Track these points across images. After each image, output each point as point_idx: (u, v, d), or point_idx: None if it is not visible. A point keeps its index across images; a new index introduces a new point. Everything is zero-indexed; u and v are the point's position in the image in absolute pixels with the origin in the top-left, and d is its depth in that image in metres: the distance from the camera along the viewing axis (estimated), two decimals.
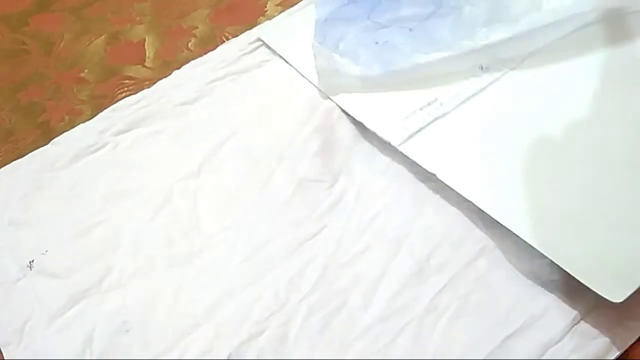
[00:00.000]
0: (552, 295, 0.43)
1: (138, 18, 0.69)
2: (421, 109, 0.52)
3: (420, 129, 0.51)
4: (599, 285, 0.40)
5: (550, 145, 0.48)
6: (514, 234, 0.44)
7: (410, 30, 0.55)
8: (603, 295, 0.39)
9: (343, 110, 0.55)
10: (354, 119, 0.54)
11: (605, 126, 0.49)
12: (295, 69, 0.59)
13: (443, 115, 0.52)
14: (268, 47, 0.61)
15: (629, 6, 0.54)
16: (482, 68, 0.54)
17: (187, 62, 0.62)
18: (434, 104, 0.52)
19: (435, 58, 0.53)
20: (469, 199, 0.46)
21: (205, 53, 0.63)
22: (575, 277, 0.40)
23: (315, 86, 0.57)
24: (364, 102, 0.54)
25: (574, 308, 0.42)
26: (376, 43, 0.55)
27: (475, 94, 0.53)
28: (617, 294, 0.39)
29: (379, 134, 0.51)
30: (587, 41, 0.54)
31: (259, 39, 0.62)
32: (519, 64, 0.54)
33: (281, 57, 0.60)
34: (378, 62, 0.54)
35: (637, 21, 0.55)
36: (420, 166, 0.49)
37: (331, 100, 0.55)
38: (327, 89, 0.56)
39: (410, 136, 0.51)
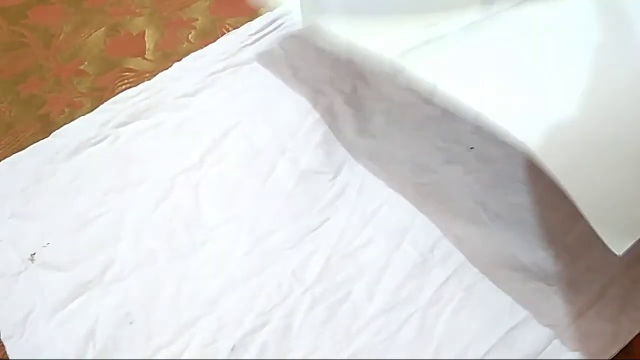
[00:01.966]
0: (555, 286, 0.43)
1: (138, 10, 0.68)
2: (418, 29, 0.48)
3: (418, 46, 0.46)
4: (605, 230, 0.36)
5: (564, 68, 0.43)
6: (517, 225, 0.44)
7: None
8: (606, 243, 0.36)
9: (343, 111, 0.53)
10: (354, 109, 0.53)
11: (611, 59, 0.45)
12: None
13: (442, 37, 0.47)
14: (272, 36, 0.60)
15: None
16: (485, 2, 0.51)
17: (187, 54, 0.62)
18: (433, 28, 0.48)
19: None
20: (475, 110, 0.40)
21: (206, 45, 0.62)
22: (583, 213, 0.36)
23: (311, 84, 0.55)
24: (353, 31, 0.49)
25: (578, 298, 0.42)
26: None
27: (477, 22, 0.48)
28: (619, 245, 0.36)
29: (372, 48, 0.47)
30: None
31: (264, 26, 0.61)
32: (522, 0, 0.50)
33: (274, 54, 0.59)
34: None
35: None
36: (424, 158, 0.48)
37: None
38: (311, 24, 0.52)
39: (407, 50, 0.46)
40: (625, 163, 0.39)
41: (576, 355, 0.40)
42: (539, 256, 0.44)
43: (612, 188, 0.38)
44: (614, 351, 0.40)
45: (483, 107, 0.39)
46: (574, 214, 0.38)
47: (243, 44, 0.61)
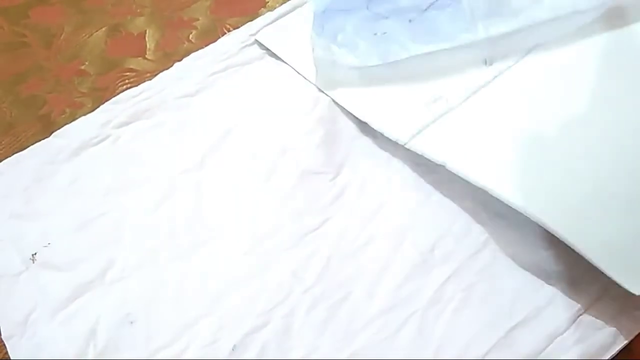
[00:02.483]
0: (556, 286, 0.43)
1: (138, 10, 0.69)
2: (426, 105, 0.51)
3: (427, 126, 0.50)
4: (620, 274, 0.39)
5: (560, 132, 0.47)
6: (518, 225, 0.44)
7: (410, 21, 0.55)
8: (624, 286, 0.39)
9: (344, 109, 0.54)
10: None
11: (613, 112, 0.48)
12: (294, 69, 0.58)
13: (449, 111, 0.51)
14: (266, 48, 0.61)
15: (630, 5, 0.54)
16: (486, 62, 0.53)
17: (188, 54, 0.62)
18: (440, 101, 0.51)
19: (434, 49, 0.53)
20: (481, 186, 0.45)
21: (206, 45, 0.62)
22: (596, 264, 0.40)
23: (311, 83, 0.56)
24: (365, 98, 0.54)
25: (578, 299, 0.42)
26: (375, 34, 0.55)
27: (480, 88, 0.52)
28: (637, 285, 0.39)
29: (385, 133, 0.51)
30: (590, 34, 0.53)
31: (265, 26, 0.61)
32: (522, 57, 0.53)
33: (279, 58, 0.59)
34: (376, 53, 0.54)
35: (638, 16, 0.54)
36: (425, 158, 0.49)
37: (328, 97, 0.55)
38: (324, 84, 0.55)
39: (417, 133, 0.50)
40: (628, 209, 0.42)
41: (577, 354, 0.40)
42: (540, 256, 0.44)
43: (619, 234, 0.41)
44: (615, 351, 0.40)
45: (489, 182, 0.44)
46: None
47: (244, 44, 0.61)
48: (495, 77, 0.53)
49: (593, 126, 0.47)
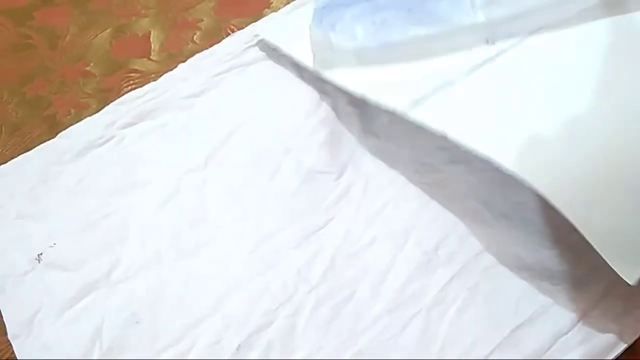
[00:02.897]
0: (560, 285, 0.43)
1: (143, 11, 0.69)
2: (426, 77, 0.49)
3: (426, 97, 0.48)
4: (618, 262, 0.38)
5: (565, 109, 0.45)
6: (522, 225, 0.44)
7: (409, 10, 0.54)
8: (619, 274, 0.38)
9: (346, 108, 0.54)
10: (359, 109, 0.53)
11: (617, 93, 0.46)
12: (294, 58, 0.57)
13: (449, 84, 0.49)
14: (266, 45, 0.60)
15: None
16: (487, 42, 0.52)
17: (192, 55, 0.62)
18: (440, 74, 0.49)
19: (433, 32, 0.51)
20: (483, 155, 0.42)
21: (211, 46, 0.63)
22: (596, 248, 0.38)
23: (317, 77, 0.56)
24: (363, 77, 0.52)
25: (583, 298, 0.42)
26: (373, 23, 0.54)
27: (482, 65, 0.50)
28: (632, 275, 0.38)
29: (382, 102, 0.49)
30: (590, 19, 0.52)
31: (256, 35, 0.61)
32: (525, 37, 0.51)
33: (279, 55, 0.59)
34: (375, 37, 0.52)
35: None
36: (428, 158, 0.49)
37: (328, 80, 0.54)
38: (321, 65, 0.54)
39: (416, 104, 0.47)
40: (634, 196, 0.40)
41: (581, 354, 0.40)
42: (544, 255, 0.44)
43: (621, 220, 0.40)
44: (619, 350, 0.40)
45: (492, 154, 0.42)
46: None
47: (248, 45, 0.61)
48: (498, 54, 0.51)
49: (597, 106, 0.45)
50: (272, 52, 0.61)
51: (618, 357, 0.40)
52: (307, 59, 0.56)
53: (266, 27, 0.62)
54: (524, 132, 0.43)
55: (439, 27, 0.51)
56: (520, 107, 0.46)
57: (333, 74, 0.53)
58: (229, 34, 0.64)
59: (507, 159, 0.41)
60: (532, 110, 0.45)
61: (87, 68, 0.64)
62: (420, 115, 0.46)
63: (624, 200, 0.41)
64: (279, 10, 0.64)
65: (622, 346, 0.40)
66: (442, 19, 0.51)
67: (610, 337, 0.41)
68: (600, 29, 0.50)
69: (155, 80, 0.60)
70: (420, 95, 0.48)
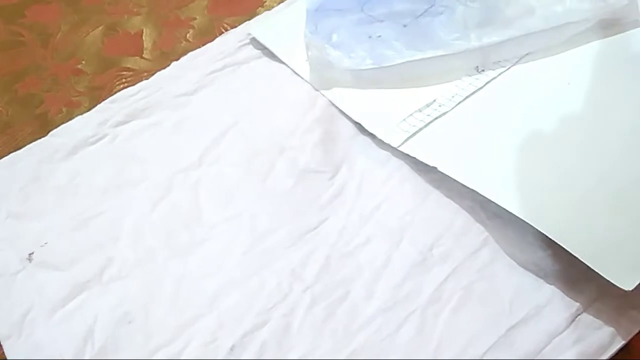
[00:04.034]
0: (555, 285, 0.43)
1: (135, 9, 0.68)
2: (420, 110, 0.52)
3: (419, 129, 0.51)
4: (610, 272, 0.40)
5: (550, 136, 0.49)
6: (516, 224, 0.44)
7: (405, 26, 0.55)
8: (615, 283, 0.39)
9: (338, 109, 0.54)
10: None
11: (601, 117, 0.49)
12: (287, 65, 0.58)
13: (441, 115, 0.52)
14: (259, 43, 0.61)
15: (621, 17, 0.54)
16: (477, 69, 0.54)
17: (185, 53, 0.62)
18: (433, 105, 0.52)
19: (427, 56, 0.53)
20: (472, 187, 0.46)
21: (204, 44, 0.62)
22: (585, 262, 0.40)
23: (307, 82, 0.56)
24: (359, 100, 0.54)
25: (577, 298, 0.42)
26: (369, 37, 0.55)
27: (472, 94, 0.53)
28: (627, 282, 0.39)
29: (378, 135, 0.51)
30: (580, 43, 0.54)
31: (249, 34, 0.61)
32: (513, 64, 0.54)
33: (273, 53, 0.59)
34: (371, 57, 0.54)
35: (629, 28, 0.55)
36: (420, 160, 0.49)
37: (324, 96, 0.55)
38: (319, 84, 0.56)
39: (410, 137, 0.51)
40: (616, 209, 0.43)
41: (575, 354, 0.40)
42: (538, 256, 0.44)
43: (609, 233, 0.42)
44: (613, 351, 0.40)
45: (480, 186, 0.46)
46: None
47: (241, 43, 0.61)
48: (487, 82, 0.53)
49: (582, 131, 0.49)
50: (266, 51, 0.60)
51: (612, 357, 0.40)
52: (298, 62, 0.57)
53: (259, 26, 0.62)
54: (508, 162, 0.47)
55: (432, 52, 0.54)
56: (505, 136, 0.49)
57: (331, 94, 0.55)
58: (222, 33, 0.64)
59: (493, 190, 0.45)
60: (516, 139, 0.49)
61: (79, 66, 0.63)
62: (413, 147, 0.50)
63: (609, 215, 0.43)
64: (272, 9, 0.64)
65: (617, 346, 0.40)
66: (435, 39, 0.54)
67: (604, 336, 0.41)
68: (589, 55, 0.54)
69: (147, 78, 0.60)
70: (413, 128, 0.51)
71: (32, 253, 0.48)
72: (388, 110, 0.53)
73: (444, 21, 0.55)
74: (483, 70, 0.54)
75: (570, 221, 0.43)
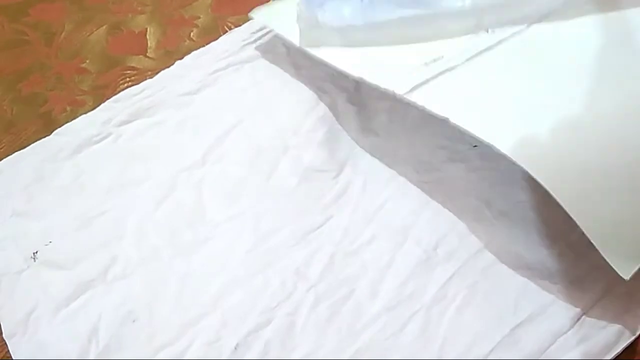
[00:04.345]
0: (559, 284, 0.43)
1: (139, 8, 0.68)
2: (426, 64, 0.49)
3: (426, 81, 0.47)
4: (613, 255, 0.38)
5: (565, 100, 0.45)
6: (521, 223, 0.44)
7: None
8: (614, 268, 0.38)
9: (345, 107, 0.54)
10: (357, 107, 0.53)
11: (616, 85, 0.46)
12: (285, 40, 0.57)
13: (449, 70, 0.48)
14: (275, 33, 0.60)
15: None
16: (487, 30, 0.52)
17: (189, 52, 0.62)
18: (440, 60, 0.49)
19: (421, 13, 0.51)
20: (486, 142, 0.42)
21: (208, 43, 0.62)
22: (592, 241, 0.39)
23: (315, 75, 0.56)
24: (356, 58, 0.52)
25: (582, 297, 0.42)
26: (361, 1, 0.53)
27: (481, 52, 0.49)
28: (627, 269, 0.38)
29: (382, 85, 0.48)
30: (592, 10, 0.52)
31: (251, 18, 0.61)
32: (527, 27, 0.50)
33: (288, 44, 0.59)
34: (361, 16, 0.52)
35: None
36: (427, 156, 0.48)
37: (318, 60, 0.53)
38: (307, 43, 0.54)
39: (417, 86, 0.47)
40: (630, 190, 0.40)
41: (580, 353, 0.40)
42: (543, 254, 0.44)
43: (619, 214, 0.40)
44: (619, 350, 0.40)
45: (493, 140, 0.41)
46: None
47: (245, 42, 0.61)
48: (499, 42, 0.50)
49: (597, 99, 0.44)
50: (270, 50, 0.60)
51: (617, 356, 0.40)
52: (295, 38, 0.56)
53: (260, 10, 0.61)
54: (524, 122, 0.43)
55: (424, 10, 0.50)
56: (521, 96, 0.45)
57: (321, 52, 0.53)
58: (226, 32, 0.64)
59: (507, 147, 0.41)
60: (532, 100, 0.45)
61: (83, 65, 0.63)
62: (421, 99, 0.46)
63: (622, 194, 0.40)
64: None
65: (622, 345, 0.40)
66: (428, 2, 0.51)
67: (609, 336, 0.40)
68: (600, 21, 0.50)
69: (151, 77, 0.60)
70: (420, 80, 0.47)
71: (37, 252, 0.48)
72: (390, 65, 0.50)
73: None
74: (493, 31, 0.51)
75: (581, 190, 0.40)
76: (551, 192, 0.39)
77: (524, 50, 0.49)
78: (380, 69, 0.50)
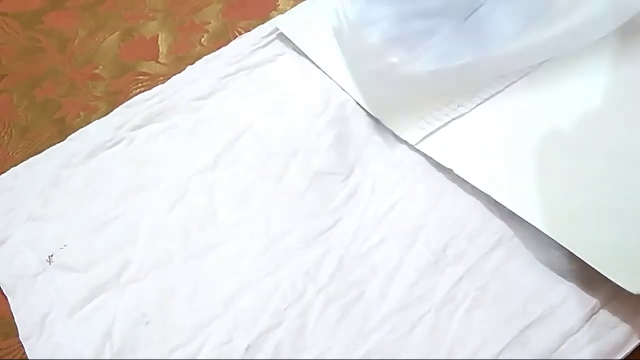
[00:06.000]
0: (569, 285, 0.43)
1: (151, 14, 0.69)
2: (438, 109, 0.52)
3: (437, 129, 0.51)
4: (618, 275, 0.40)
5: (564, 141, 0.48)
6: (530, 224, 0.44)
7: (465, 19, 0.54)
8: (622, 286, 0.39)
9: (357, 103, 0.55)
10: (368, 112, 0.54)
11: (617, 124, 0.49)
12: (311, 61, 0.59)
13: (460, 116, 0.52)
14: (284, 38, 0.61)
15: None
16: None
17: (200, 57, 0.62)
18: (452, 106, 0.52)
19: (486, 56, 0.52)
20: (485, 191, 0.46)
21: (218, 48, 0.63)
22: (594, 267, 0.40)
23: (330, 78, 0.57)
24: (378, 95, 0.54)
25: (592, 297, 0.42)
26: (426, 33, 0.53)
27: (492, 96, 0.53)
28: (636, 285, 0.39)
29: (396, 132, 0.52)
30: (601, 48, 0.53)
31: (276, 29, 0.62)
32: (534, 69, 0.53)
33: (298, 48, 0.60)
34: (435, 57, 0.53)
35: None
36: (433, 160, 0.49)
37: (345, 91, 0.56)
38: (343, 80, 0.56)
39: (427, 136, 0.51)
40: (623, 215, 0.43)
41: (590, 354, 0.40)
42: (553, 255, 0.44)
43: (618, 238, 0.42)
44: (629, 350, 0.40)
45: (493, 190, 0.46)
46: None
47: (255, 47, 0.62)
48: (507, 86, 0.53)
49: (598, 139, 0.48)
50: (280, 54, 0.61)
51: (628, 356, 0.40)
52: (323, 58, 0.58)
53: (283, 21, 0.62)
54: (524, 168, 0.47)
55: (489, 51, 0.52)
56: (520, 139, 0.49)
57: (351, 89, 0.55)
58: (237, 37, 0.64)
59: (506, 195, 0.46)
60: (529, 144, 0.48)
61: (96, 71, 0.64)
62: (430, 147, 0.50)
63: (617, 221, 0.43)
64: (289, 12, 0.64)
65: (632, 346, 0.40)
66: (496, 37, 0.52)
67: (619, 336, 0.40)
68: (610, 61, 0.52)
69: (163, 82, 0.61)
70: (431, 127, 0.51)
71: (52, 255, 0.49)
72: (406, 107, 0.52)
73: (502, 15, 0.53)
74: (504, 74, 0.53)
75: (580, 227, 0.43)
76: (548, 233, 0.43)
77: (529, 93, 0.52)
78: (396, 112, 0.53)
